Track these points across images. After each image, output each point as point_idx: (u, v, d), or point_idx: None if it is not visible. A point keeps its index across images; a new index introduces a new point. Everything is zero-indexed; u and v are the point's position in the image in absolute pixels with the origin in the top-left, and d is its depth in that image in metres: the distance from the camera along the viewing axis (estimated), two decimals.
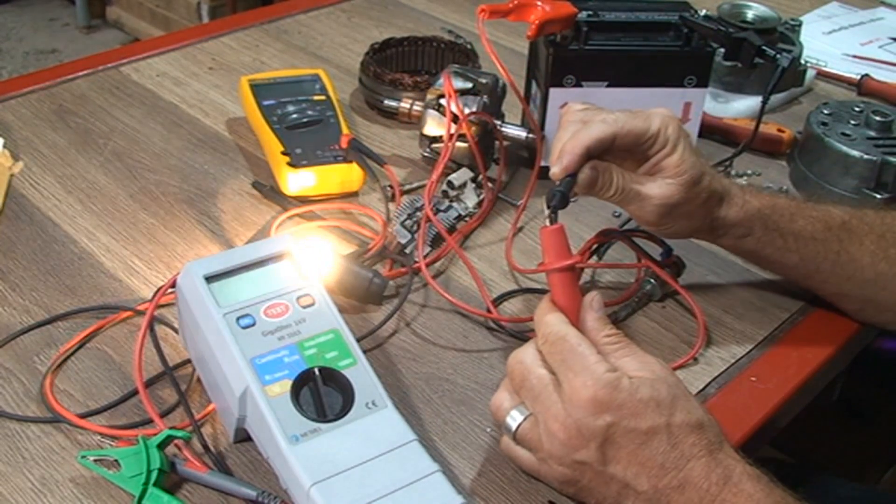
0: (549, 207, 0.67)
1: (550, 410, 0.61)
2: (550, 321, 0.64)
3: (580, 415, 0.59)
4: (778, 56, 0.90)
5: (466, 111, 0.92)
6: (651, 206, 0.73)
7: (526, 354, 0.64)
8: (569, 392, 0.60)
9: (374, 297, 0.80)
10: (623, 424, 0.59)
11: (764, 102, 0.93)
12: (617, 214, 0.94)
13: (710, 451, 0.59)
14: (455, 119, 0.90)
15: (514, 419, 0.63)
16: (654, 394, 0.60)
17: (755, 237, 0.76)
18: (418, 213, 0.88)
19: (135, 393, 0.69)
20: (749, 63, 0.92)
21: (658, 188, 0.73)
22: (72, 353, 0.74)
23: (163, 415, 0.68)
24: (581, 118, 0.73)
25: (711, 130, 1.06)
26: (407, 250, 0.85)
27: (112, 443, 0.65)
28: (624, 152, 0.74)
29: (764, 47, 0.91)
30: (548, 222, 0.66)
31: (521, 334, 0.78)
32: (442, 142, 0.93)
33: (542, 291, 0.83)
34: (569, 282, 0.65)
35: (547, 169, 0.96)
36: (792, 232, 0.76)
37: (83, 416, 0.68)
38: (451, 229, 0.90)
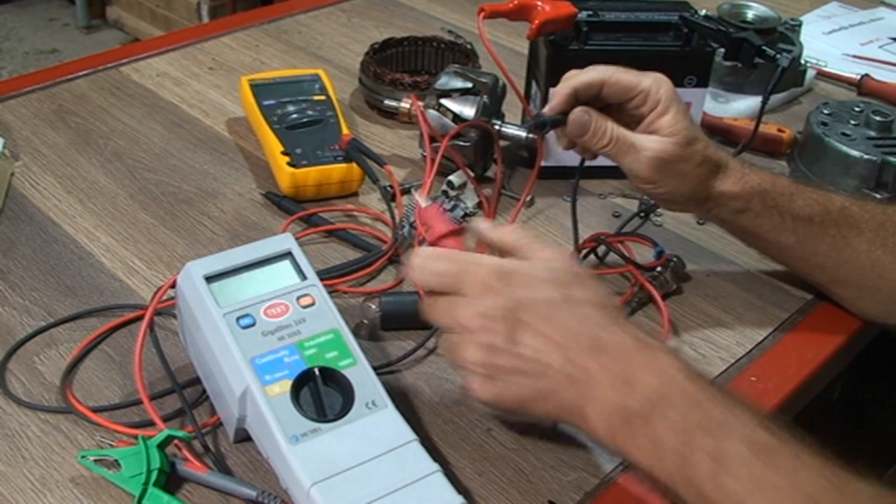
0: (528, 131, 0.67)
1: (456, 311, 0.60)
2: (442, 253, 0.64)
3: (478, 303, 0.59)
4: (778, 56, 0.90)
5: (465, 112, 0.92)
6: (645, 158, 0.74)
7: (422, 264, 0.63)
8: (466, 286, 0.60)
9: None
10: (523, 304, 0.59)
11: (764, 102, 0.93)
12: (617, 214, 0.94)
13: (618, 323, 0.60)
14: (433, 140, 0.90)
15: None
16: (548, 270, 0.60)
17: (752, 213, 0.76)
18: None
19: (139, 401, 0.69)
20: (749, 63, 0.92)
21: (652, 142, 0.74)
22: (74, 354, 0.74)
23: (165, 419, 0.68)
24: (575, 71, 0.76)
25: (711, 130, 1.06)
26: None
27: (112, 443, 0.65)
28: (615, 107, 0.75)
29: (764, 47, 0.91)
30: (421, 203, 0.67)
31: None
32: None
33: None
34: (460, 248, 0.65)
35: (548, 169, 0.97)
36: (790, 211, 0.76)
37: (94, 410, 0.68)
38: None
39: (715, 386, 0.58)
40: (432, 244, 0.65)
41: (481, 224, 0.66)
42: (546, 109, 0.76)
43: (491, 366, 0.60)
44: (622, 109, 0.76)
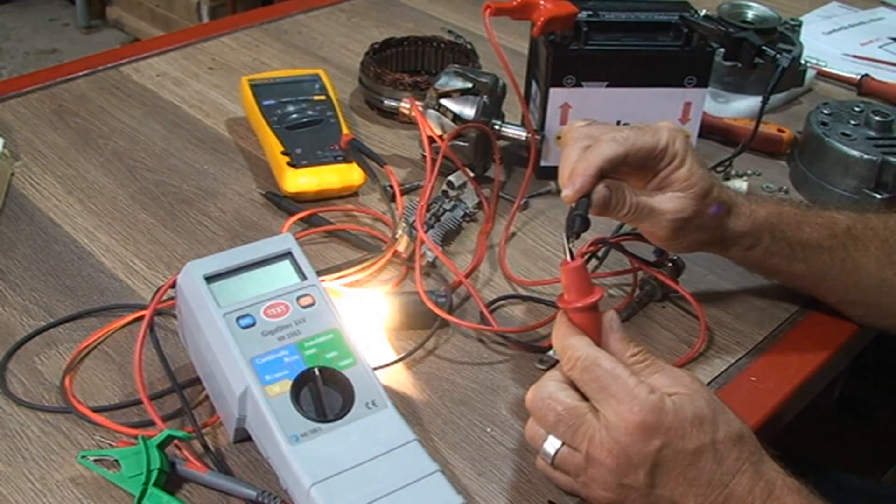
0: (569, 235, 0.65)
1: (595, 440, 0.59)
2: (577, 345, 0.62)
3: (628, 441, 0.58)
4: (778, 56, 0.90)
5: (465, 112, 0.92)
6: (665, 221, 0.72)
7: (550, 387, 0.62)
8: (614, 419, 0.59)
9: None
10: (672, 447, 0.58)
11: (764, 102, 0.93)
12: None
13: (753, 464, 0.59)
14: (432, 141, 0.90)
15: (553, 445, 0.62)
16: (696, 411, 0.59)
17: (763, 247, 0.76)
18: (426, 214, 0.88)
19: (138, 401, 0.69)
20: (749, 63, 0.92)
21: (670, 202, 0.72)
22: (74, 354, 0.74)
23: (165, 419, 0.68)
24: (587, 134, 0.71)
25: (711, 130, 1.06)
26: (421, 252, 0.84)
27: (112, 443, 0.65)
28: (631, 169, 0.73)
29: (764, 47, 0.91)
30: (568, 257, 0.64)
31: (508, 340, 0.78)
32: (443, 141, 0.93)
33: (539, 301, 0.83)
34: (590, 313, 0.64)
35: (546, 169, 0.97)
36: (799, 241, 0.76)
37: (94, 410, 0.68)
38: (459, 228, 0.90)
39: None
40: (563, 307, 0.64)
41: (613, 326, 0.64)
42: (569, 192, 0.70)
43: (621, 495, 0.60)
44: (641, 168, 0.73)
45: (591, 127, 0.72)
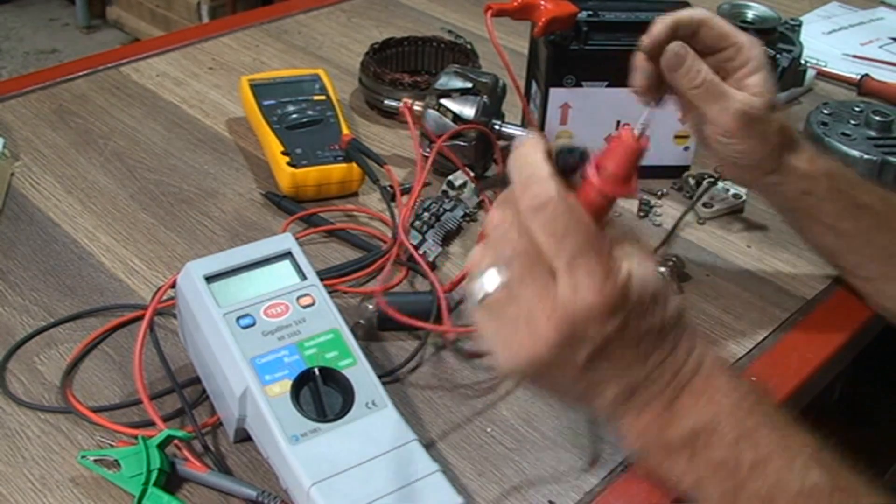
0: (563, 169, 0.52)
1: (544, 303, 0.50)
2: (554, 184, 0.50)
3: (584, 319, 0.49)
4: (778, 56, 0.90)
5: (465, 112, 0.92)
6: (734, 108, 0.71)
7: (509, 205, 0.51)
8: (575, 291, 0.49)
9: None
10: (628, 330, 0.51)
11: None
12: (617, 215, 0.94)
13: (689, 352, 0.53)
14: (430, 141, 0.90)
15: (493, 281, 0.51)
16: (656, 287, 0.52)
17: (817, 195, 0.75)
18: (426, 214, 0.88)
19: (138, 401, 0.69)
20: None
21: (742, 95, 0.72)
22: (74, 354, 0.74)
23: (165, 419, 0.67)
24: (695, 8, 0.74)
25: None
26: (420, 251, 0.84)
27: (112, 443, 0.65)
28: (706, 52, 0.72)
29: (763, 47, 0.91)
30: (636, 131, 0.52)
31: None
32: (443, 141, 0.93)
33: None
34: (598, 210, 0.52)
35: None
36: (853, 199, 0.75)
37: (94, 410, 0.68)
38: (458, 228, 0.90)
39: (765, 408, 0.54)
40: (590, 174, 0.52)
41: None
42: (645, 38, 0.72)
43: (550, 366, 0.51)
44: (713, 58, 0.73)
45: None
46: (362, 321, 0.76)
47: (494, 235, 0.52)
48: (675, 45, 0.71)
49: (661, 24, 0.71)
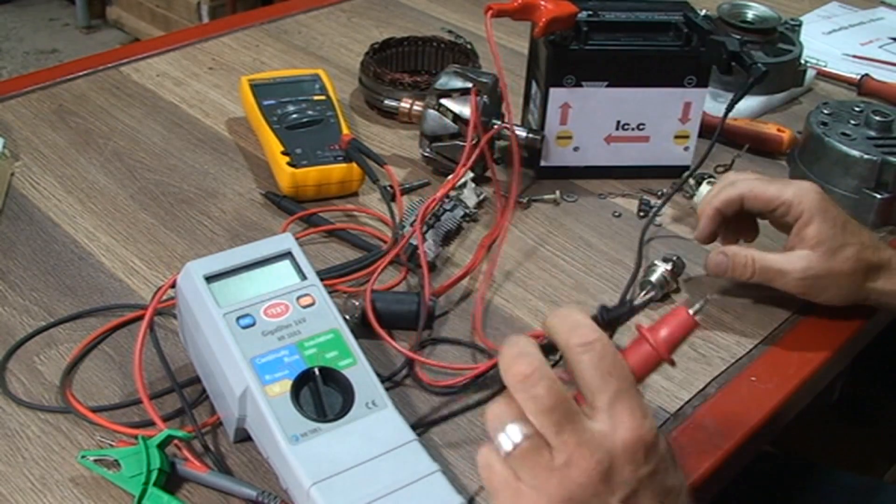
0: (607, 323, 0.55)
1: (585, 444, 0.49)
2: (587, 319, 0.52)
3: (623, 456, 0.49)
4: (753, 65, 0.89)
5: (465, 112, 0.92)
6: (793, 280, 0.77)
7: (550, 371, 0.51)
8: (617, 429, 0.49)
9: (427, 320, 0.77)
10: (658, 478, 0.50)
11: (728, 109, 0.92)
12: (617, 215, 0.94)
13: None
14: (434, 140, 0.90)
15: (514, 434, 0.51)
16: (671, 452, 0.52)
17: None
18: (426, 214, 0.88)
19: (138, 401, 0.69)
20: (726, 69, 0.92)
21: (796, 261, 0.76)
22: (74, 354, 0.74)
23: (165, 419, 0.67)
24: (730, 179, 0.80)
25: (711, 130, 1.06)
26: (420, 251, 0.84)
27: (112, 443, 0.65)
28: (761, 216, 0.80)
29: (741, 53, 0.90)
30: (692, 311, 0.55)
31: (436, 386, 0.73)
32: (443, 141, 0.93)
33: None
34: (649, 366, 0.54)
35: (546, 168, 0.98)
36: None
37: (93, 410, 0.68)
38: (458, 228, 0.90)
39: None
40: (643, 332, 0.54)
41: None
42: (697, 233, 0.82)
43: None
44: (769, 216, 0.79)
45: (737, 173, 0.81)
46: (347, 317, 0.76)
47: (520, 391, 0.50)
48: (713, 257, 0.79)
49: (706, 218, 0.79)
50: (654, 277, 0.82)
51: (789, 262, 0.77)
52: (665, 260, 0.84)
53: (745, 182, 0.79)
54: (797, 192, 0.77)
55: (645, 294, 0.81)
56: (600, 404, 0.50)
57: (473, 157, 0.88)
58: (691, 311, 0.54)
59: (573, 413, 0.50)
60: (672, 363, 0.54)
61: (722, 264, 0.79)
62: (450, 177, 0.88)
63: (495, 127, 0.94)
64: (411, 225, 0.86)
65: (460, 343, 0.77)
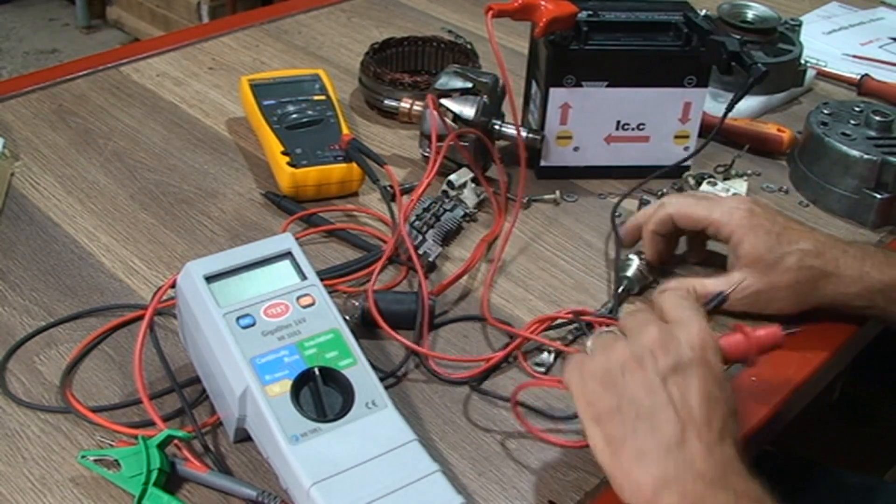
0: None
1: (653, 324, 0.59)
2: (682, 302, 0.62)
3: (681, 338, 0.58)
4: (753, 65, 0.89)
5: (465, 112, 0.92)
6: (734, 300, 0.76)
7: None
8: (684, 322, 0.59)
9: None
10: (701, 371, 0.57)
11: (728, 109, 0.92)
12: (618, 215, 0.94)
13: (737, 446, 0.58)
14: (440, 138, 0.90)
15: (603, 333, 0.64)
16: (727, 381, 0.60)
17: (878, 307, 0.77)
18: (426, 214, 0.88)
19: (138, 401, 0.69)
20: (725, 68, 0.91)
21: (731, 283, 0.76)
22: (74, 354, 0.74)
23: (165, 419, 0.67)
24: (663, 200, 0.82)
25: (711, 130, 1.06)
26: (420, 251, 0.84)
27: (112, 443, 0.65)
28: (701, 235, 0.81)
29: (741, 53, 0.90)
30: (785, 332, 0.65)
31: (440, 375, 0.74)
32: (442, 141, 0.93)
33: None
34: (738, 351, 0.64)
35: (546, 169, 0.98)
36: None
37: (93, 410, 0.68)
38: (459, 228, 0.90)
39: None
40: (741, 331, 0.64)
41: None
42: (645, 257, 0.83)
43: (632, 363, 0.57)
44: (707, 236, 0.81)
45: (672, 195, 0.83)
46: (347, 317, 0.76)
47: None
48: (660, 289, 0.79)
49: (646, 241, 0.82)
50: (630, 272, 0.83)
51: (727, 283, 0.76)
52: (639, 253, 0.84)
53: (673, 203, 0.80)
54: (724, 212, 0.77)
55: (621, 289, 0.82)
56: (670, 312, 0.61)
57: (436, 164, 0.88)
58: (784, 332, 0.64)
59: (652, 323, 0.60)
60: (754, 362, 0.64)
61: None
62: (423, 179, 0.88)
63: (457, 131, 0.94)
64: (411, 225, 0.86)
65: (468, 319, 0.77)
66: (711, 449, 0.55)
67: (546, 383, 0.72)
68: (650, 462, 0.54)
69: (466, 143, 0.93)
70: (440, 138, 0.91)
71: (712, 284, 0.77)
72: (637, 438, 0.55)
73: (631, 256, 0.84)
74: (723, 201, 0.79)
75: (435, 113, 0.91)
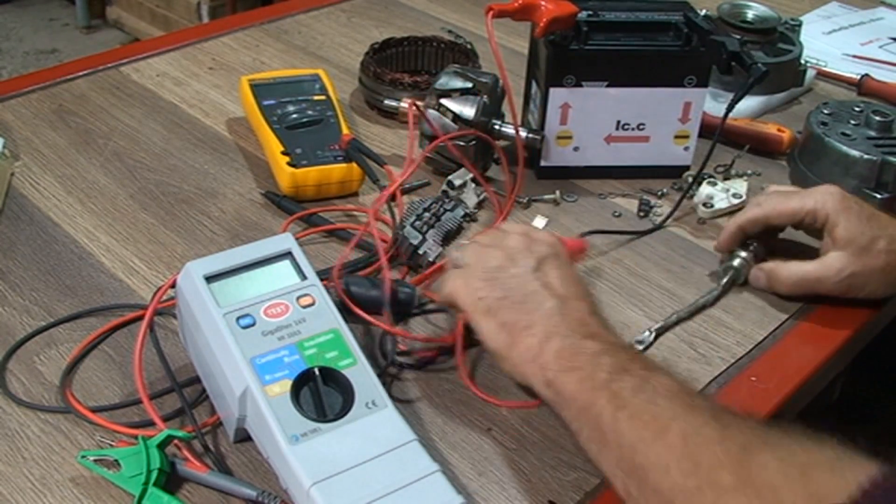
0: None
1: (511, 231, 0.73)
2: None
3: (536, 237, 0.72)
4: (753, 65, 0.89)
5: (465, 112, 0.92)
6: (831, 284, 0.79)
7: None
8: (532, 229, 0.75)
9: (405, 309, 0.78)
10: (559, 264, 0.70)
11: (728, 109, 0.91)
12: (617, 214, 0.94)
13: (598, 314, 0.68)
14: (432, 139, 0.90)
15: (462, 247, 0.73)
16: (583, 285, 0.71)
17: None
18: (427, 214, 0.88)
19: (138, 401, 0.69)
20: (726, 68, 0.91)
21: (830, 264, 0.78)
22: (74, 354, 0.74)
23: (165, 419, 0.67)
24: (755, 201, 0.83)
25: (711, 130, 1.06)
26: (420, 251, 0.84)
27: (112, 443, 0.65)
28: (793, 227, 0.83)
29: (741, 53, 0.90)
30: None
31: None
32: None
33: None
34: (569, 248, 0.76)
35: (546, 169, 0.98)
36: None
37: (93, 410, 0.68)
38: (459, 228, 0.90)
39: (638, 354, 0.67)
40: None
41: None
42: (717, 244, 0.86)
43: (506, 262, 0.69)
44: (802, 228, 0.82)
45: (773, 193, 0.84)
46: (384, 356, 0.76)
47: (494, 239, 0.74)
48: (754, 274, 0.83)
49: (728, 233, 0.84)
50: (736, 262, 0.84)
51: (824, 267, 0.79)
52: (748, 244, 0.85)
53: (768, 202, 0.82)
54: (818, 199, 0.79)
55: (725, 280, 0.84)
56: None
57: (411, 169, 0.89)
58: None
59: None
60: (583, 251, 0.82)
61: (760, 279, 0.82)
62: (397, 180, 0.88)
63: (496, 128, 0.94)
64: (412, 225, 0.86)
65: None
66: (582, 313, 0.66)
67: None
68: (537, 327, 0.65)
69: (465, 144, 0.92)
70: (432, 139, 0.92)
71: (809, 267, 0.80)
72: (525, 316, 0.66)
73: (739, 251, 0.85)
74: (812, 191, 0.81)
75: (432, 113, 0.91)
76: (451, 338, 0.75)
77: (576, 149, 0.97)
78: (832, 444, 0.52)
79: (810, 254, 0.83)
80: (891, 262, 0.78)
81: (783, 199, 0.82)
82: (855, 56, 1.28)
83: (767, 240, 0.85)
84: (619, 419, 0.58)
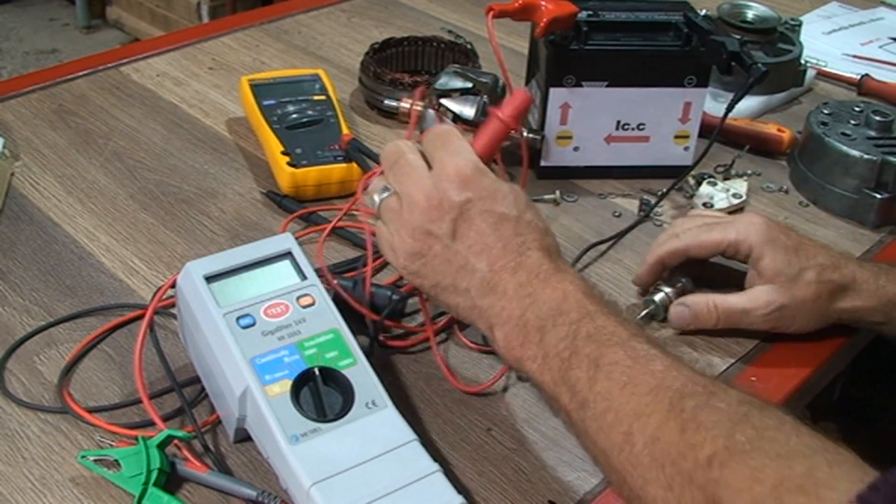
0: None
1: (418, 183, 0.64)
2: (440, 128, 0.69)
3: (445, 186, 0.63)
4: (753, 65, 0.89)
5: (465, 112, 0.92)
6: (758, 317, 0.75)
7: (403, 142, 0.68)
8: (439, 168, 0.65)
9: (395, 315, 0.78)
10: (480, 204, 0.63)
11: (728, 109, 0.91)
12: (617, 214, 0.94)
13: (548, 251, 0.64)
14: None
15: (380, 194, 0.67)
16: (513, 192, 0.65)
17: (894, 324, 0.75)
18: None
19: (138, 401, 0.69)
20: (726, 68, 0.91)
21: (757, 297, 0.75)
22: (73, 354, 0.74)
23: (165, 419, 0.67)
24: (674, 231, 0.80)
25: (711, 130, 1.06)
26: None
27: (112, 443, 0.65)
28: (718, 259, 0.79)
29: (740, 53, 0.90)
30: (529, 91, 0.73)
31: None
32: None
33: None
34: (498, 137, 0.69)
35: (546, 169, 0.98)
36: None
37: (90, 410, 0.68)
38: None
39: (610, 305, 0.62)
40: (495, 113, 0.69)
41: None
42: (635, 278, 0.82)
43: (425, 244, 0.64)
44: (727, 257, 0.79)
45: (690, 219, 0.81)
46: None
47: (384, 157, 0.68)
48: (674, 309, 0.78)
49: (647, 266, 0.80)
50: (657, 297, 0.80)
51: (751, 300, 0.75)
52: (672, 279, 0.81)
53: (688, 234, 0.78)
54: (740, 230, 0.76)
55: (644, 314, 0.80)
56: (431, 159, 0.66)
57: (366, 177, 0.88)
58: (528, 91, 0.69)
59: (412, 167, 0.65)
60: (517, 130, 0.73)
61: (685, 316, 0.77)
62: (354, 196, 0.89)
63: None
64: None
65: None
66: (515, 274, 0.63)
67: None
68: (477, 311, 0.64)
69: None
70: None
71: (735, 300, 0.76)
72: (462, 300, 0.64)
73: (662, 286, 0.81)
74: (735, 220, 0.78)
75: (432, 113, 0.91)
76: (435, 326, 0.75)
77: (576, 149, 0.97)
78: (811, 451, 0.49)
79: (741, 279, 0.79)
80: (821, 292, 0.74)
81: (704, 230, 0.78)
82: (855, 56, 1.28)
83: (693, 269, 0.81)
84: (584, 419, 0.57)
